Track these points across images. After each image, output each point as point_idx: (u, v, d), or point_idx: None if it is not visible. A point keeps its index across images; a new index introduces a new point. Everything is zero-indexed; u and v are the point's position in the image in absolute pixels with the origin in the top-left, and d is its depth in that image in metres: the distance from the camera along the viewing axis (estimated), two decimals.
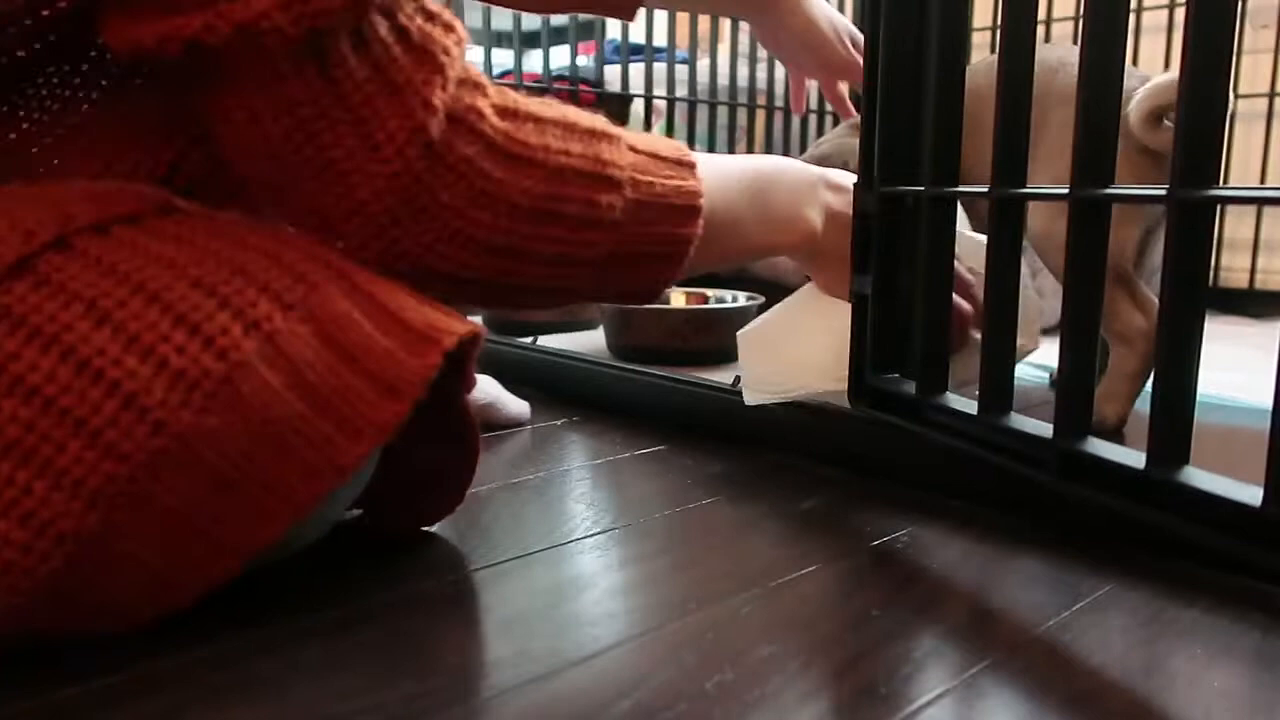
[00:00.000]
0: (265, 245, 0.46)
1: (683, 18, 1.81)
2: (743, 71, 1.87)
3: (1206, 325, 0.48)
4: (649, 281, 0.60)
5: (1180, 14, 1.58)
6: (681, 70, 1.80)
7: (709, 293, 1.15)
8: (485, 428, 0.90)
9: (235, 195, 0.51)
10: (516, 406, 0.92)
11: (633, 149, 0.57)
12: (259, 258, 0.45)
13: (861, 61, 0.71)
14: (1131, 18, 1.71)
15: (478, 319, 1.02)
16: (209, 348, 0.41)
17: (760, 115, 1.95)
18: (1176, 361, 0.48)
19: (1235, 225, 1.74)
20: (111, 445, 0.40)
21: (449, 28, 0.50)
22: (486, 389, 0.90)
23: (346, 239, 0.49)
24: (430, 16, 0.49)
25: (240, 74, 0.45)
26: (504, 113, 0.51)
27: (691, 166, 0.60)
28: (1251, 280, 1.75)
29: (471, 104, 0.50)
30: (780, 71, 1.95)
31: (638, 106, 1.60)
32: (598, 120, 0.56)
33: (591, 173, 0.54)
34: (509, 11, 0.99)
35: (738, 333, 0.84)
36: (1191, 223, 0.46)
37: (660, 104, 1.64)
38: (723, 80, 1.85)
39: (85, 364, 0.40)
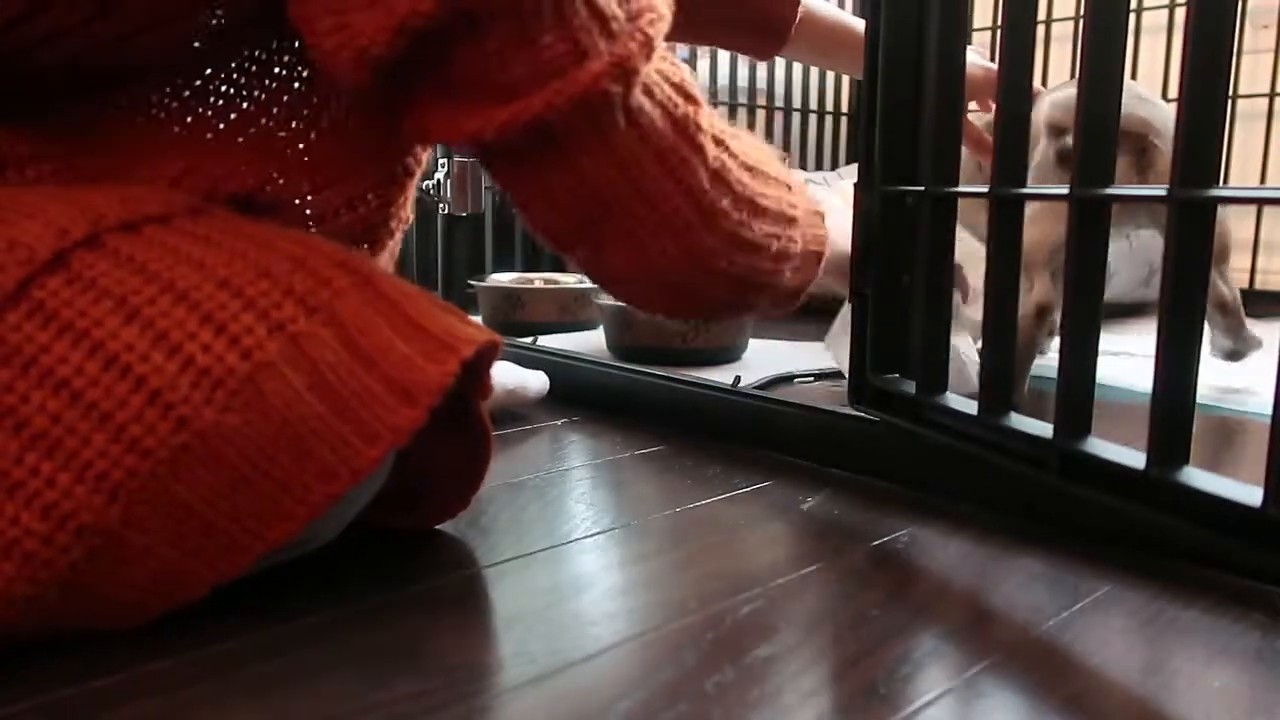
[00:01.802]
0: (292, 249, 0.46)
1: None
2: (743, 71, 1.87)
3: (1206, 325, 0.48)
4: (806, 280, 0.68)
5: (1180, 14, 1.58)
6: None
7: None
8: (513, 416, 0.91)
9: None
10: (537, 383, 0.93)
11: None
12: (285, 261, 0.45)
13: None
14: (1131, 18, 1.71)
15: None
16: (234, 347, 0.42)
17: (760, 115, 1.95)
18: (1176, 361, 0.48)
19: (1235, 225, 1.74)
20: (135, 440, 0.41)
21: (676, 64, 0.55)
22: (505, 377, 0.91)
23: (650, 249, 0.55)
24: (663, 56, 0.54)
25: (568, 138, 0.49)
26: (732, 135, 0.60)
27: (803, 186, 0.70)
28: (1251, 280, 1.75)
29: (722, 128, 0.58)
30: (780, 72, 1.95)
31: None
32: (782, 169, 0.66)
33: (788, 184, 0.64)
34: None
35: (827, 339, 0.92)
36: (1191, 223, 0.46)
37: None
38: (723, 80, 1.85)
39: (113, 359, 0.41)
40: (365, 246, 0.57)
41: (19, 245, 0.42)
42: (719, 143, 0.57)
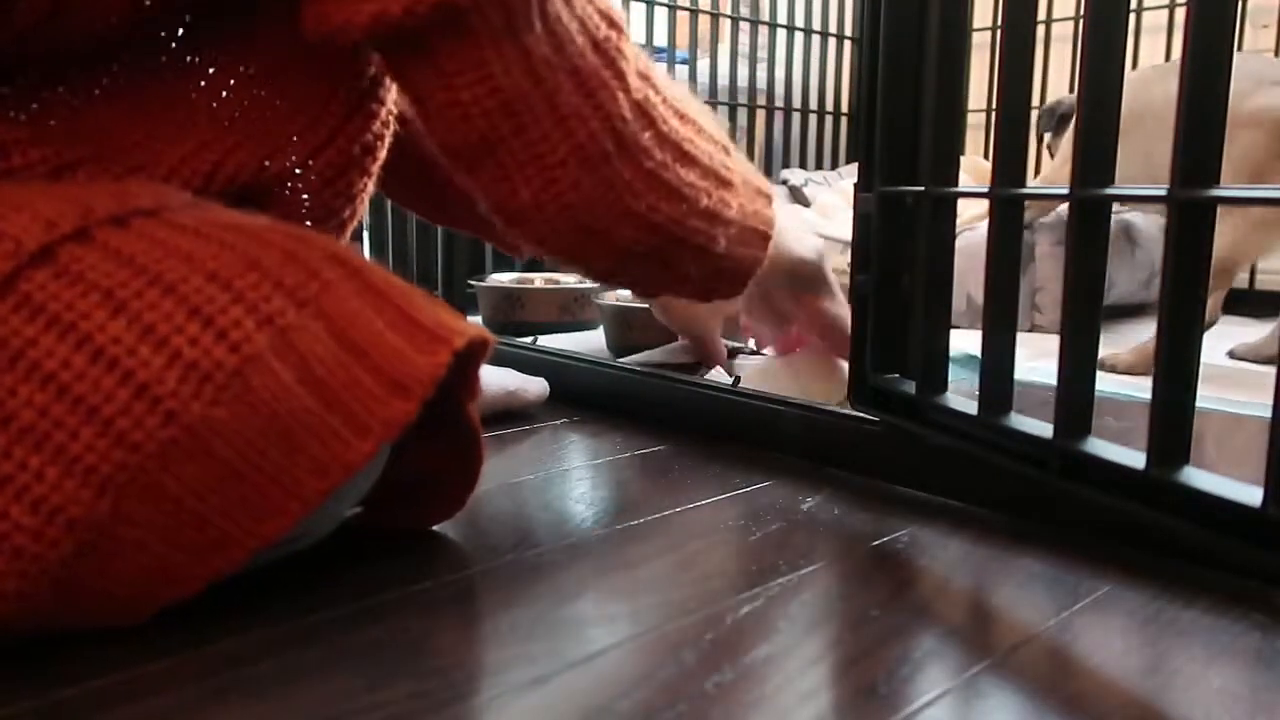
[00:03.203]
0: (282, 241, 0.46)
1: (683, 17, 1.81)
2: (743, 71, 1.87)
3: None
4: (752, 259, 0.67)
5: (1180, 14, 1.58)
6: (681, 70, 1.79)
7: None
8: (511, 416, 0.91)
9: (266, 204, 0.52)
10: (537, 388, 0.94)
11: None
12: (275, 253, 0.45)
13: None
14: (1131, 18, 1.70)
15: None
16: (222, 340, 0.42)
17: (760, 115, 1.95)
18: (1176, 362, 0.48)
19: None
20: (123, 434, 0.40)
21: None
22: (506, 379, 0.91)
23: (561, 182, 0.53)
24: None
25: (479, 28, 0.48)
26: (663, 79, 0.59)
27: (746, 163, 0.69)
28: (1251, 280, 1.75)
29: (650, 67, 0.57)
30: (781, 71, 1.95)
31: None
32: (721, 133, 0.65)
33: (724, 146, 0.63)
34: None
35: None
36: (1191, 223, 0.46)
37: None
38: (723, 80, 1.85)
39: (100, 352, 0.41)
40: (336, 226, 0.57)
41: (6, 238, 0.42)
42: (644, 77, 0.55)
